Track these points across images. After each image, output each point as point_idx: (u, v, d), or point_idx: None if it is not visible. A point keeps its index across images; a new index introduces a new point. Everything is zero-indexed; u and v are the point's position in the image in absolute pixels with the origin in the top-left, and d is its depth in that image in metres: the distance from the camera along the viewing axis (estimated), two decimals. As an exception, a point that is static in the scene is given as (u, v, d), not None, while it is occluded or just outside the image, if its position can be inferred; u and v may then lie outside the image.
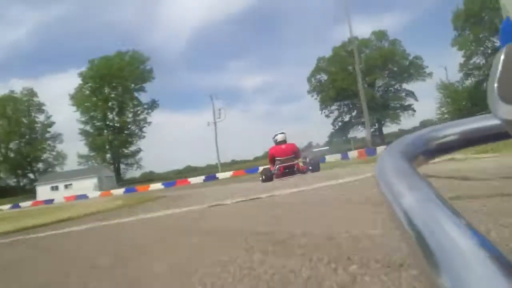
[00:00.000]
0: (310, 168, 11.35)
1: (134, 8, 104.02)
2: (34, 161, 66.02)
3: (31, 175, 65.45)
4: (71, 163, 66.72)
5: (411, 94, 61.68)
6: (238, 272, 1.89)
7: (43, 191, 52.31)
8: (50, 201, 44.57)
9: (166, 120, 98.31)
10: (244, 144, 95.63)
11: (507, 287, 0.23)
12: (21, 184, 64.55)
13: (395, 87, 62.51)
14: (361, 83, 42.02)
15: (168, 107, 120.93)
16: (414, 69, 60.25)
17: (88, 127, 65.97)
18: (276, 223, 3.36)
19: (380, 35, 61.30)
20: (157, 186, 43.09)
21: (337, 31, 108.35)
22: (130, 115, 68.33)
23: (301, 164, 11.66)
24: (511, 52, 0.38)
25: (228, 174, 42.21)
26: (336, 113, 65.76)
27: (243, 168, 43.76)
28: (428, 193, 0.36)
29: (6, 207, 44.50)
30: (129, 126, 68.27)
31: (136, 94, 68.27)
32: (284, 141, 11.86)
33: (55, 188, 53.23)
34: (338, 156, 35.45)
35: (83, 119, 65.29)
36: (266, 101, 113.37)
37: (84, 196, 43.12)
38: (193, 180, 42.83)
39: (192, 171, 65.27)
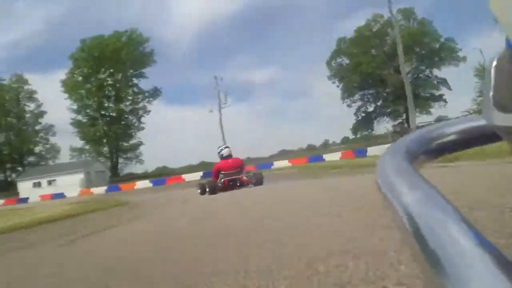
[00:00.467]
0: (254, 181, 11.45)
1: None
2: (27, 154, 60.48)
3: (21, 170, 59.82)
4: (64, 158, 61.05)
5: (443, 82, 53.67)
6: None
7: (24, 188, 46.55)
8: (24, 200, 38.91)
9: (181, 114, 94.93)
10: (260, 142, 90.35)
11: (507, 286, 0.23)
12: (9, 179, 58.91)
13: (425, 73, 54.62)
14: (403, 63, 34.65)
15: (183, 102, 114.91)
16: (445, 53, 52.22)
17: (80, 117, 59.52)
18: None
19: (407, 13, 53.21)
20: (144, 184, 36.85)
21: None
22: (127, 103, 61.74)
23: (245, 177, 11.86)
24: (501, 62, 0.39)
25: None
26: (359, 102, 58.34)
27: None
28: (429, 193, 0.36)
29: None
30: (127, 116, 61.68)
31: (135, 81, 61.82)
32: (230, 156, 12.25)
33: (37, 185, 47.29)
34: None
35: (75, 107, 58.92)
36: (275, 95, 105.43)
37: (61, 195, 37.23)
38: (189, 176, 36.49)
39: (206, 166, 58.74)
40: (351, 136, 62.86)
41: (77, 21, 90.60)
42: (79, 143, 59.47)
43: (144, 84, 64.27)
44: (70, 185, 42.80)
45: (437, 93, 54.18)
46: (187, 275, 2.39)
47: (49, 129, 62.23)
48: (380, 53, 52.41)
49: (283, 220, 3.72)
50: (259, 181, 11.37)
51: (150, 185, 35.93)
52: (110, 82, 59.31)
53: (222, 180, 11.50)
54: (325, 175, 13.81)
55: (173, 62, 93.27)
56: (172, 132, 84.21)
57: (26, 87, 60.68)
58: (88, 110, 59.30)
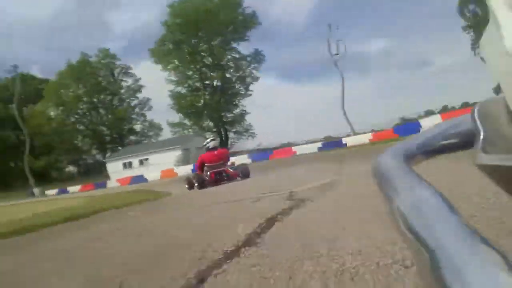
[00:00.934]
0: (241, 174, 11.22)
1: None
2: (128, 133, 56.49)
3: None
4: (167, 136, 55.19)
5: None
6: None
7: (114, 169, 41.11)
8: (102, 184, 32.74)
9: (299, 90, 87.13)
10: (380, 113, 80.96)
11: (506, 286, 0.23)
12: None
13: None
14: None
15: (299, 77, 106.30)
16: None
17: (179, 88, 53.08)
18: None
19: None
20: (242, 159, 27.24)
21: None
22: (231, 70, 53.52)
23: (230, 170, 11.57)
24: (482, 109, 0.42)
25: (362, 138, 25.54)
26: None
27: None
28: (428, 192, 0.37)
29: (54, 192, 34.82)
30: (233, 85, 53.57)
31: (234, 45, 53.24)
32: (215, 148, 11.93)
33: (128, 165, 41.56)
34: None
35: (172, 78, 52.53)
36: (392, 66, 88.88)
37: (141, 179, 29.88)
38: (301, 149, 26.16)
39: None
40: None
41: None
42: (176, 117, 53.22)
43: (245, 49, 55.16)
44: (165, 163, 35.64)
45: None
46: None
47: (145, 103, 57.24)
48: None
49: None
50: (245, 174, 11.21)
51: (248, 161, 26.16)
52: (204, 47, 51.22)
53: (208, 173, 11.22)
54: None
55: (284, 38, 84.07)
56: (290, 108, 76.46)
57: (118, 62, 56.42)
58: (187, 80, 52.20)
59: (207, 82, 52.97)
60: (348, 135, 32.65)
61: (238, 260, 2.10)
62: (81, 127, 55.68)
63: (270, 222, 3.03)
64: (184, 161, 38.26)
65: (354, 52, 63.77)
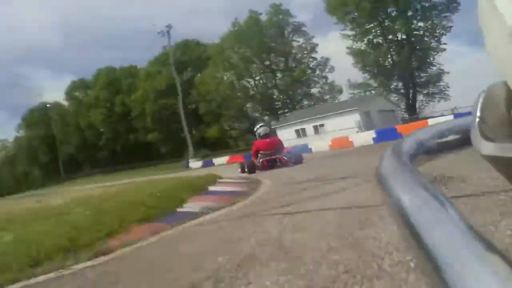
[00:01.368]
0: (293, 161, 11.57)
1: None
2: (304, 98, 52.01)
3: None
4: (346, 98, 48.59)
5: None
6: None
7: (286, 136, 36.65)
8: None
9: None
10: None
11: (507, 286, 0.23)
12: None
13: None
14: None
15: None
16: None
17: (359, 44, 45.18)
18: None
19: None
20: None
21: None
22: (417, 21, 43.13)
23: (284, 158, 11.88)
24: (490, 94, 0.41)
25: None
26: None
27: None
28: (429, 192, 0.36)
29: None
30: (423, 38, 43.33)
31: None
32: (267, 134, 12.48)
33: (301, 132, 36.68)
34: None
35: (347, 32, 45.08)
36: None
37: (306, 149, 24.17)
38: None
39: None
40: None
41: None
42: (358, 77, 45.86)
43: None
44: (342, 130, 29.81)
45: None
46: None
47: (325, 64, 51.11)
48: None
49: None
50: (298, 161, 11.72)
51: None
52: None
53: (261, 160, 11.73)
54: None
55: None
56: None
57: (291, 19, 50.99)
58: (368, 36, 44.29)
59: (390, 37, 43.87)
60: None
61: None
62: (252, 92, 52.78)
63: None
64: (365, 126, 31.48)
65: None
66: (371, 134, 20.46)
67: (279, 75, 51.56)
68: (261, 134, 12.31)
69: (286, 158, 11.78)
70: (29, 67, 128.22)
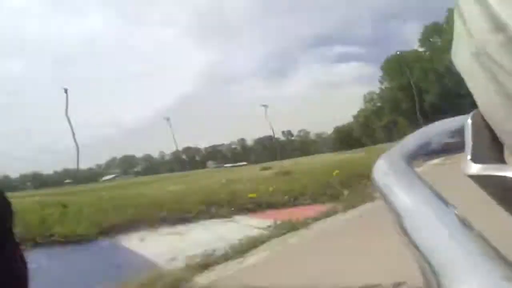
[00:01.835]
0: None
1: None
2: None
3: None
4: None
5: None
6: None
7: None
8: None
9: None
10: None
11: (506, 285, 0.23)
12: None
13: None
14: None
15: None
16: None
17: None
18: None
19: None
20: None
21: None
22: None
23: None
24: (477, 118, 0.42)
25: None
26: None
27: None
28: (427, 192, 0.37)
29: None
30: None
31: None
32: None
33: None
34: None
35: None
36: None
37: None
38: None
39: None
40: None
41: None
42: None
43: None
44: None
45: None
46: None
47: None
48: None
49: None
50: None
51: None
52: None
53: None
54: None
55: None
56: None
57: None
58: None
59: None
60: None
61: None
62: None
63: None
64: None
65: None
66: None
67: None
68: None
69: None
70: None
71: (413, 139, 0.52)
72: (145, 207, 7.09)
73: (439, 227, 0.30)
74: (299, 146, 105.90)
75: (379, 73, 72.15)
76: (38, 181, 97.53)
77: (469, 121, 0.42)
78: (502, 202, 0.36)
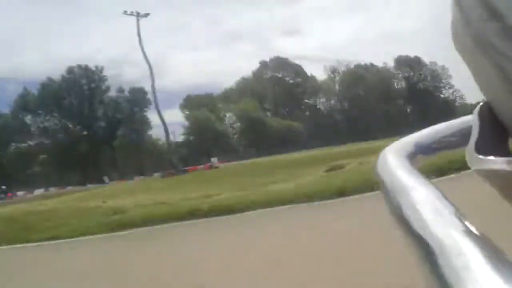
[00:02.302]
0: None
1: None
2: None
3: None
4: None
5: None
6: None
7: None
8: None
9: None
10: None
11: (506, 286, 0.23)
12: None
13: None
14: None
15: None
16: None
17: None
18: None
19: None
20: None
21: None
22: None
23: None
24: (483, 109, 0.42)
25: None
26: None
27: None
28: (429, 190, 0.36)
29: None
30: None
31: None
32: None
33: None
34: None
35: None
36: None
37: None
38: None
39: None
40: None
41: None
42: None
43: None
44: None
45: None
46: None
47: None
48: None
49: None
50: None
51: None
52: None
53: None
54: None
55: None
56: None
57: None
58: None
59: None
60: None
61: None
62: None
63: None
64: None
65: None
66: None
67: None
68: None
69: None
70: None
71: (413, 137, 0.53)
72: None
73: (442, 227, 0.30)
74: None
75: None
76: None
77: (476, 113, 0.42)
78: (508, 196, 0.36)
